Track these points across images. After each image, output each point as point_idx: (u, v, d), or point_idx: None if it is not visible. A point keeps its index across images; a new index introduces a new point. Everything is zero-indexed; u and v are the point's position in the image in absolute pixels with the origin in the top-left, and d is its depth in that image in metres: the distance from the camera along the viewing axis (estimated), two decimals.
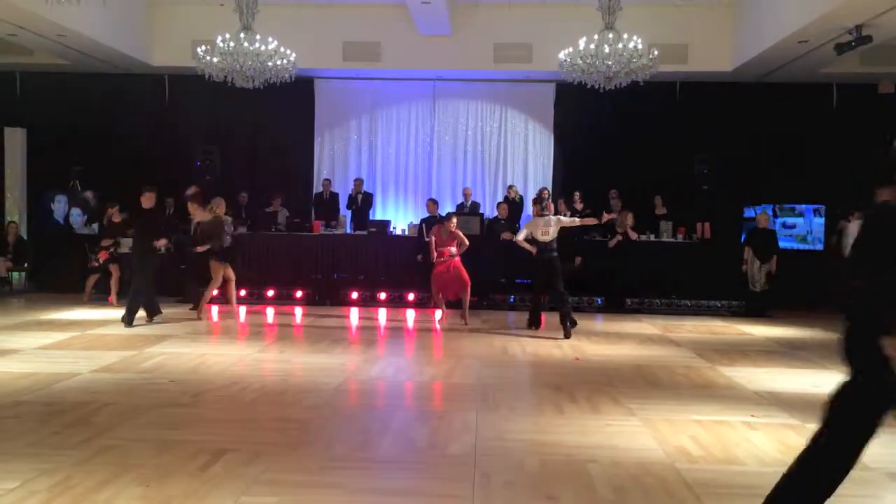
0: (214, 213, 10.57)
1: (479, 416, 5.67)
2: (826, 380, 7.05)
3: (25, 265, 13.37)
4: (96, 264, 12.03)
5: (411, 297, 12.32)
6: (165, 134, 14.77)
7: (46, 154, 14.51)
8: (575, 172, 14.56)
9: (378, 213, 14.80)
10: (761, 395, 6.53)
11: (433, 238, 10.47)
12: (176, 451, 4.69)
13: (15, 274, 13.43)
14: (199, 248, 10.54)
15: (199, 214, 10.57)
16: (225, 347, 8.36)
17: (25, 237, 13.84)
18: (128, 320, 9.67)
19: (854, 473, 3.41)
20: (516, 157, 15.15)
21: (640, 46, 10.66)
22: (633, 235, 12.10)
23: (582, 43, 10.75)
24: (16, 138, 14.54)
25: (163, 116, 14.92)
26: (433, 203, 13.22)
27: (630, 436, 5.26)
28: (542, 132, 15.08)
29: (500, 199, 14.30)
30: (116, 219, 11.63)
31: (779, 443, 5.14)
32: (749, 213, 13.30)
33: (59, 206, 14.20)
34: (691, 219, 13.19)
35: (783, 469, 3.60)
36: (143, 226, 9.99)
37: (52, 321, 10.03)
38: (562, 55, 11.06)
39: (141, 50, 13.68)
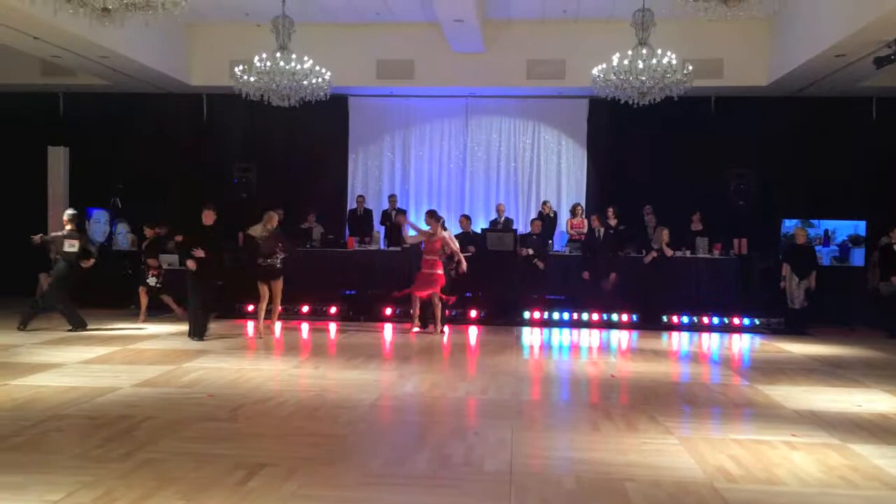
0: (268, 228, 10.40)
1: (514, 432, 5.65)
2: (867, 399, 6.91)
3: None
4: (153, 281, 12.06)
5: (445, 312, 12.30)
6: (203, 152, 15.04)
7: (88, 172, 14.84)
8: (608, 188, 14.52)
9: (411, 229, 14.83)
10: (801, 414, 6.42)
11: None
12: (215, 465, 4.75)
13: None
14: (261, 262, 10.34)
15: (255, 230, 10.68)
16: (261, 363, 8.45)
17: None
18: (200, 333, 9.91)
19: None
20: (549, 173, 15.15)
21: (674, 62, 10.63)
22: (669, 252, 11.99)
23: (615, 59, 10.75)
24: (58, 157, 14.89)
25: (201, 135, 15.21)
26: (466, 219, 13.27)
27: (668, 454, 5.21)
28: (576, 148, 15.06)
29: (533, 214, 14.29)
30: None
31: (820, 463, 5.05)
32: (787, 228, 13.12)
33: (100, 223, 14.47)
34: (728, 235, 13.05)
35: (825, 489, 3.54)
36: (206, 243, 9.97)
37: (93, 336, 10.22)
38: (595, 71, 11.06)
39: (180, 70, 13.97)
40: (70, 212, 11.01)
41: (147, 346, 9.38)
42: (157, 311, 12.11)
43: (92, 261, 10.85)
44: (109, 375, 7.51)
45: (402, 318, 12.16)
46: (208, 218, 10.05)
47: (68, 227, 10.73)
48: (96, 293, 13.44)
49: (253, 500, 4.17)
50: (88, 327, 10.70)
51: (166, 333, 10.58)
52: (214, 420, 5.91)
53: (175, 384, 7.21)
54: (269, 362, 8.49)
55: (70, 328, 10.57)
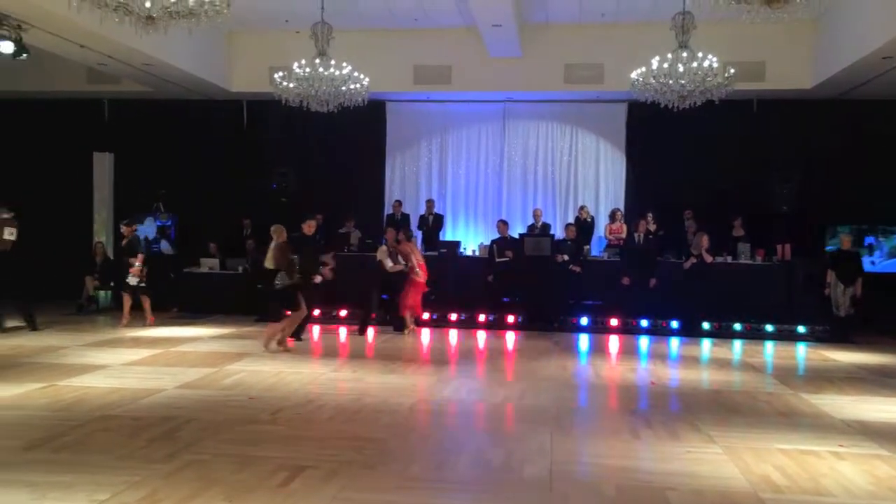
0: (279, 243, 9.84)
1: (553, 438, 5.62)
2: None
3: (111, 284, 13.90)
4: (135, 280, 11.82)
5: (482, 317, 12.31)
6: (243, 157, 15.24)
7: (132, 177, 15.14)
8: (648, 193, 14.37)
9: (448, 234, 14.89)
10: (849, 424, 6.28)
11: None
12: (257, 467, 4.79)
13: (101, 293, 13.99)
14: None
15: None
16: (300, 366, 8.52)
17: (112, 257, 14.40)
18: (298, 336, 10.01)
19: None
20: (587, 178, 15.05)
21: (715, 64, 10.48)
22: (709, 258, 11.82)
23: (655, 62, 10.64)
24: (103, 163, 15.23)
25: (241, 140, 15.41)
26: (504, 224, 13.25)
27: (711, 464, 5.12)
28: (614, 152, 14.95)
29: (570, 219, 14.22)
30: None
31: (868, 474, 4.93)
32: (834, 234, 12.86)
33: (143, 227, 14.74)
34: (770, 240, 12.82)
35: (873, 501, 3.45)
36: (308, 253, 9.94)
37: (136, 338, 10.41)
38: (634, 75, 10.96)
39: (221, 77, 14.19)
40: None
41: (189, 349, 9.52)
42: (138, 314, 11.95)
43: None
44: (153, 377, 7.64)
45: (438, 322, 12.18)
46: (310, 228, 10.08)
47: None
48: (138, 297, 13.70)
49: (295, 503, 4.21)
50: (131, 332, 10.88)
51: (207, 336, 10.73)
52: (255, 422, 5.97)
53: (216, 386, 7.30)
54: (307, 366, 8.55)
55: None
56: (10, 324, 10.83)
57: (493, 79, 14.00)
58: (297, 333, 10.04)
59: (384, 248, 11.61)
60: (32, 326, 10.87)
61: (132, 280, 11.69)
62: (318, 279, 10.17)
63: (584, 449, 5.41)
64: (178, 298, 13.51)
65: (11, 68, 12.23)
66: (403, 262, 11.39)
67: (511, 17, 11.69)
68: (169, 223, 14.82)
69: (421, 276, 11.32)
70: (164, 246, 14.77)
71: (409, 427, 6.05)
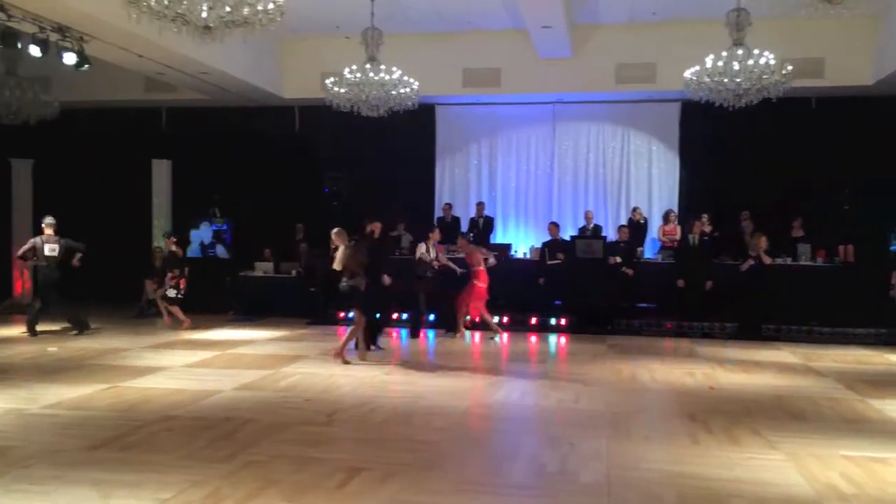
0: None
1: (609, 443, 5.55)
2: None
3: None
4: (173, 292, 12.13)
5: (533, 320, 12.25)
6: (295, 162, 15.46)
7: (188, 184, 15.49)
8: (702, 194, 14.12)
9: (499, 237, 14.84)
10: None
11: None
12: (314, 468, 4.85)
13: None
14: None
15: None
16: (354, 369, 8.59)
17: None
18: (374, 342, 9.77)
19: None
20: (640, 179, 14.85)
21: (772, 62, 10.25)
22: (767, 260, 11.55)
23: (709, 61, 10.44)
24: (162, 169, 15.61)
25: (293, 145, 15.63)
26: (555, 226, 13.17)
27: (774, 470, 5.00)
28: (667, 153, 14.72)
29: (623, 221, 14.06)
30: (176, 250, 12.20)
31: None
32: None
33: (199, 232, 15.06)
34: (832, 241, 12.47)
35: None
36: (374, 257, 9.59)
37: (195, 340, 10.64)
38: (688, 74, 10.78)
39: (274, 83, 14.42)
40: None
41: (245, 351, 9.69)
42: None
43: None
44: (212, 379, 7.79)
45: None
46: (377, 230, 9.99)
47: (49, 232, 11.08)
48: (197, 299, 14.01)
49: None
50: (190, 334, 11.12)
51: (262, 339, 10.90)
52: (311, 424, 6.05)
53: (273, 388, 7.41)
54: (361, 368, 8.61)
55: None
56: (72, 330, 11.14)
57: (542, 80, 13.93)
58: (374, 341, 9.72)
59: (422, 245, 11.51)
60: (81, 329, 11.07)
61: (171, 292, 12.04)
62: (388, 281, 10.05)
63: (641, 454, 5.33)
64: (233, 302, 13.76)
65: (74, 79, 12.62)
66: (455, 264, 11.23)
67: (561, 18, 11.62)
68: (224, 228, 15.10)
69: (482, 282, 11.07)
70: (220, 250, 15.05)
71: (462, 430, 6.06)
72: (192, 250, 14.90)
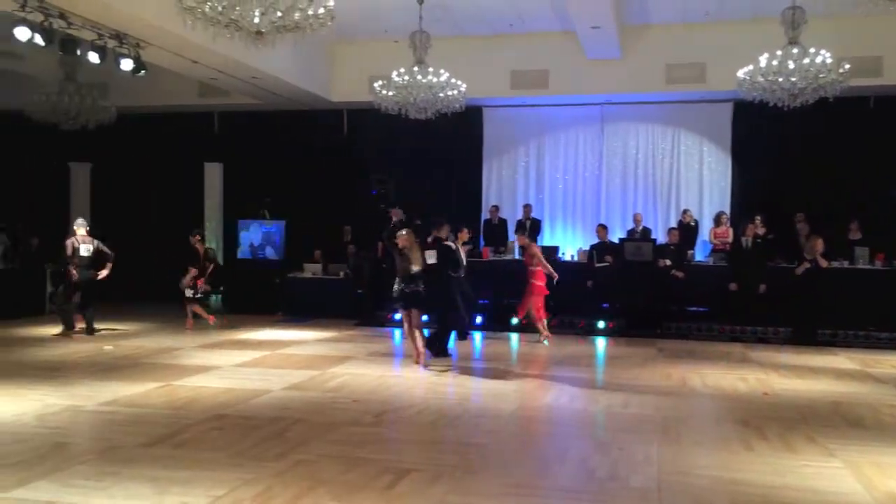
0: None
1: (660, 448, 5.47)
2: None
3: (221, 288, 14.51)
4: (193, 293, 12.15)
5: (581, 323, 12.15)
6: (344, 165, 15.61)
7: (239, 186, 15.76)
8: (755, 196, 13.82)
9: (546, 239, 14.74)
10: None
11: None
12: (363, 468, 4.88)
13: (212, 296, 14.60)
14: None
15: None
16: (401, 369, 8.63)
17: (221, 263, 15.02)
18: (441, 349, 9.38)
19: None
20: (690, 181, 14.60)
21: (828, 60, 9.99)
22: (823, 263, 11.25)
23: (763, 60, 10.22)
24: (214, 172, 15.92)
25: (341, 148, 15.79)
26: (603, 228, 13.04)
27: (831, 478, 4.87)
28: (719, 154, 14.46)
29: (672, 223, 13.84)
30: (200, 248, 12.16)
31: None
32: None
33: (249, 233, 15.31)
34: (891, 244, 12.09)
35: None
36: (443, 257, 9.59)
37: (244, 341, 10.81)
38: (741, 73, 10.57)
39: (323, 87, 14.58)
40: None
41: (294, 352, 9.81)
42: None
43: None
44: (261, 379, 7.91)
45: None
46: (443, 231, 9.81)
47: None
48: (246, 301, 14.27)
49: None
50: (239, 335, 11.27)
51: (311, 340, 11.02)
52: (360, 424, 6.09)
53: (321, 388, 7.48)
54: (409, 369, 8.65)
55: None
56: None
57: (591, 81, 13.81)
58: (444, 348, 9.45)
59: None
60: (65, 332, 11.03)
61: (188, 292, 12.04)
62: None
63: (693, 460, 5.23)
64: (281, 303, 13.95)
65: (130, 85, 12.95)
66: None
67: (610, 18, 11.51)
68: (274, 229, 15.31)
69: (539, 280, 10.90)
70: (269, 252, 15.28)
71: (510, 433, 6.03)
72: (243, 252, 15.16)
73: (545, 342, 10.81)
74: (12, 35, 9.35)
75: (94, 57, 10.38)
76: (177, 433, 5.68)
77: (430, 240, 9.92)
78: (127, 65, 10.74)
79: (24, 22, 9.22)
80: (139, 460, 4.99)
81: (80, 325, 11.11)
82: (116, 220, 15.84)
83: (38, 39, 9.41)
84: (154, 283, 15.14)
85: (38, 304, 13.49)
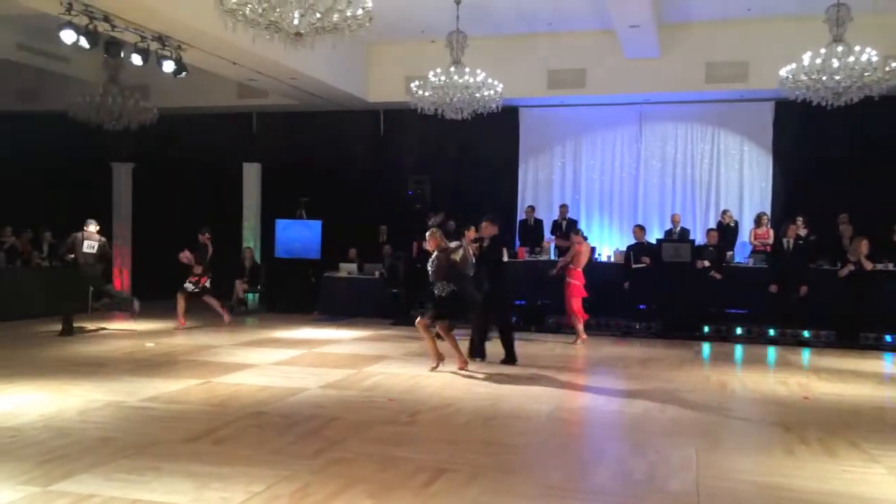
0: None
1: (698, 452, 5.40)
2: None
3: (259, 287, 14.70)
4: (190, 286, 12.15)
5: (618, 325, 12.05)
6: (380, 165, 15.71)
7: (277, 186, 15.94)
8: (797, 196, 13.59)
9: None
10: None
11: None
12: (399, 467, 4.90)
13: (250, 295, 14.81)
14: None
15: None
16: (436, 370, 8.63)
17: (259, 262, 15.22)
18: (481, 353, 9.17)
19: None
20: (730, 181, 14.41)
21: (874, 58, 9.79)
22: (868, 265, 11.01)
23: (806, 58, 10.06)
24: (252, 172, 16.12)
25: (378, 149, 15.90)
26: (640, 229, 12.92)
27: (874, 484, 4.76)
28: (760, 154, 14.24)
29: (712, 224, 13.68)
30: (208, 246, 12.22)
31: None
32: None
33: (287, 233, 15.46)
34: None
35: None
36: (486, 256, 9.20)
37: (282, 339, 10.92)
38: (783, 72, 10.40)
39: (360, 88, 14.68)
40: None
41: (329, 351, 9.89)
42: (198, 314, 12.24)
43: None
44: (298, 377, 7.98)
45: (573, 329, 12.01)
46: (488, 230, 9.35)
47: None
48: (283, 300, 14.44)
49: None
50: (277, 333, 11.39)
51: (346, 339, 11.09)
52: (395, 423, 6.11)
53: (357, 387, 7.53)
54: (444, 369, 8.65)
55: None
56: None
57: (629, 81, 13.71)
58: (481, 352, 9.25)
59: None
60: (65, 333, 10.88)
61: (189, 286, 12.06)
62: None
63: (732, 465, 5.16)
64: (318, 302, 14.07)
65: (171, 86, 13.18)
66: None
67: (649, 17, 11.41)
68: (310, 229, 15.43)
69: (577, 279, 10.86)
70: (306, 251, 15.40)
71: (546, 434, 6.00)
72: (280, 251, 15.32)
73: (579, 343, 10.75)
74: (58, 38, 9.59)
75: (136, 59, 10.61)
76: (216, 429, 5.76)
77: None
78: (168, 66, 10.94)
79: (69, 25, 9.45)
80: (179, 456, 5.07)
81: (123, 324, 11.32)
82: (157, 219, 16.15)
83: (83, 42, 9.65)
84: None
85: (82, 303, 13.76)
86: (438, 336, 8.69)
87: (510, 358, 9.10)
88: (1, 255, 13.37)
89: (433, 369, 8.48)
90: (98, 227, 11.42)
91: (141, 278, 16.18)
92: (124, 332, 11.39)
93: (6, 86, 15.40)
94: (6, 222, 13.83)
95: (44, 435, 5.51)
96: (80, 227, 11.19)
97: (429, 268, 8.48)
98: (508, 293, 9.46)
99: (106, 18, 9.81)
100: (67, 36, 9.49)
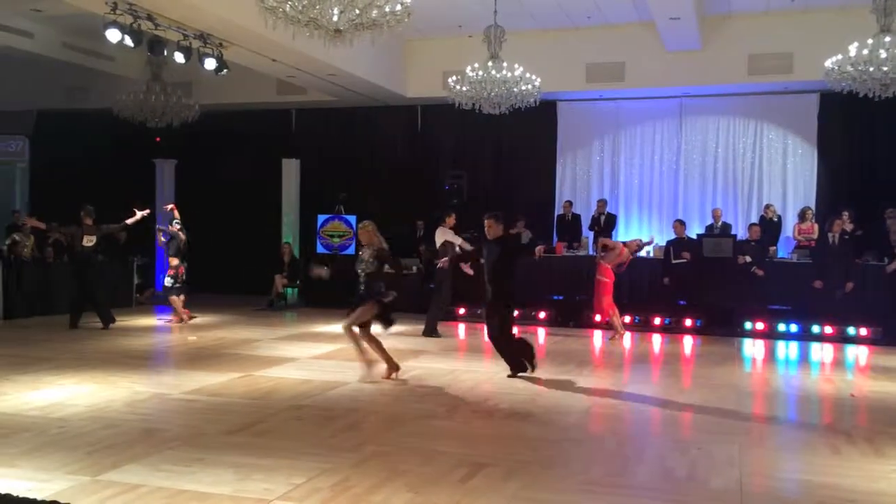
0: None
1: (741, 450, 5.32)
2: None
3: (298, 282, 14.84)
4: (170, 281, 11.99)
5: (657, 321, 11.93)
6: (418, 160, 15.73)
7: (316, 182, 16.07)
8: (842, 190, 13.30)
9: (621, 235, 14.52)
10: None
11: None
12: (438, 461, 4.91)
13: (289, 290, 14.96)
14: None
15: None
16: (474, 365, 8.65)
17: (298, 256, 15.35)
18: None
19: None
20: (773, 175, 14.13)
21: None
22: None
23: (853, 49, 9.81)
24: (291, 168, 16.25)
25: (415, 144, 15.92)
26: (680, 224, 12.75)
27: None
28: (804, 146, 13.94)
29: (754, 219, 13.45)
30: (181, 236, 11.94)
31: None
32: None
33: (327, 228, 15.57)
34: None
35: None
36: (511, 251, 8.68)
37: (320, 333, 11.02)
38: (829, 63, 10.15)
39: (398, 83, 14.71)
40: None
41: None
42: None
43: None
44: (337, 370, 8.06)
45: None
46: (517, 228, 9.57)
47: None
48: (322, 295, 14.53)
49: (476, 499, 4.27)
50: (316, 327, 11.48)
51: (386, 333, 11.11)
52: (434, 418, 6.13)
53: (395, 381, 7.56)
54: (481, 364, 8.67)
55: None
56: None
57: (669, 73, 13.51)
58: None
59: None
60: (106, 323, 11.10)
61: (168, 281, 11.97)
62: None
63: (776, 463, 5.08)
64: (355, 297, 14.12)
65: (212, 83, 13.35)
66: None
67: (691, 8, 11.23)
68: (348, 224, 15.53)
69: (607, 276, 10.79)
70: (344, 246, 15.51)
71: (584, 430, 5.98)
72: (319, 246, 15.43)
73: (618, 339, 10.67)
74: (103, 36, 9.79)
75: (179, 57, 10.77)
76: (257, 422, 5.84)
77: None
78: (210, 64, 11.09)
79: (114, 24, 9.63)
80: (222, 447, 5.16)
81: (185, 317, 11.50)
82: (199, 215, 16.37)
83: (128, 41, 9.83)
84: (234, 275, 15.62)
85: (127, 297, 14.10)
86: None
87: (516, 366, 7.89)
88: (48, 250, 13.69)
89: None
90: (94, 217, 11.36)
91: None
92: (166, 326, 11.60)
93: (54, 84, 15.74)
94: (53, 218, 14.13)
95: (92, 426, 5.64)
96: (80, 222, 11.21)
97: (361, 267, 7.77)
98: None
99: (149, 17, 9.98)
100: (112, 35, 9.68)
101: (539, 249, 8.91)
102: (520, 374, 7.83)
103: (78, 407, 6.21)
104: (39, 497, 4.03)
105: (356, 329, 7.55)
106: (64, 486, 4.33)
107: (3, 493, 3.41)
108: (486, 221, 7.85)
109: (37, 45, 13.16)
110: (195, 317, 11.99)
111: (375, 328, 7.71)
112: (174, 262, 11.97)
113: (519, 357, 7.91)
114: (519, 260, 8.44)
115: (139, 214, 11.65)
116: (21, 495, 4.04)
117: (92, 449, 5.06)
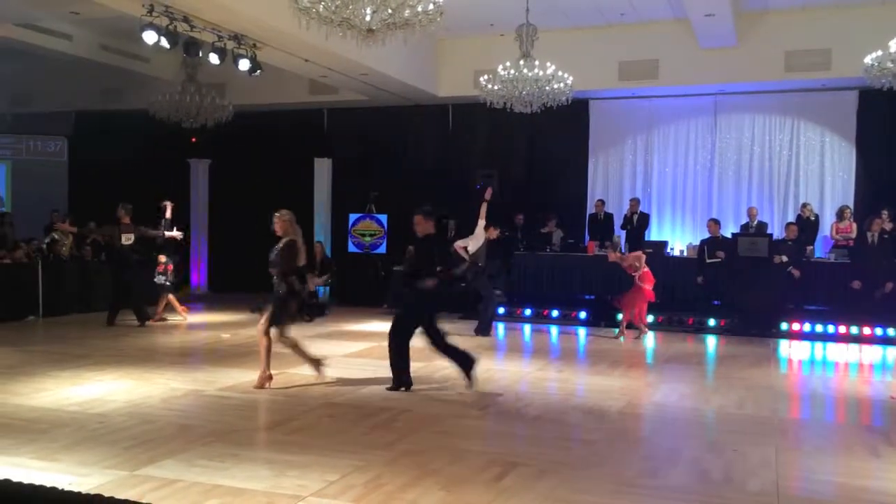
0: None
1: (777, 452, 5.24)
2: None
3: (329, 281, 14.92)
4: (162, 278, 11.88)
5: (691, 321, 11.80)
6: (449, 159, 15.73)
7: (347, 181, 16.15)
8: (882, 188, 13.01)
9: (654, 234, 14.40)
10: None
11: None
12: (470, 460, 4.91)
13: (321, 288, 15.04)
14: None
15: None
16: (507, 364, 8.64)
17: (330, 255, 15.45)
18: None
19: None
20: (810, 173, 13.89)
21: None
22: None
23: (893, 45, 9.61)
24: (323, 167, 16.37)
25: (446, 143, 15.92)
26: (715, 223, 12.59)
27: None
28: (842, 144, 13.68)
29: (790, 218, 13.22)
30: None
31: None
32: None
33: (358, 227, 15.65)
34: None
35: None
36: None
37: (352, 332, 11.09)
38: (868, 59, 9.96)
39: (429, 82, 14.73)
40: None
41: None
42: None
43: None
44: (369, 369, 8.09)
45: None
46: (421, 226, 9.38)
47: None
48: (352, 293, 14.65)
49: (508, 498, 4.26)
50: (347, 326, 11.53)
51: (417, 331, 11.13)
52: (465, 417, 6.14)
53: (427, 380, 7.56)
54: (514, 364, 8.65)
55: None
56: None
57: (703, 71, 13.34)
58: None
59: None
60: (143, 321, 11.23)
61: (159, 279, 11.87)
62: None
63: (814, 465, 5.00)
64: (387, 295, 14.20)
65: (246, 84, 13.49)
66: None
67: (726, 5, 11.08)
68: (379, 223, 15.60)
69: (648, 283, 10.70)
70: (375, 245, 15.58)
71: (618, 430, 5.93)
72: (351, 245, 15.52)
73: (644, 338, 10.62)
74: (140, 38, 9.94)
75: (214, 58, 10.90)
76: (291, 419, 5.89)
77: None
78: (244, 65, 11.21)
79: (150, 26, 9.77)
80: (257, 444, 5.22)
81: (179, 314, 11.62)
82: (233, 214, 16.56)
83: (164, 42, 9.97)
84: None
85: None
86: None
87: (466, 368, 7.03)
88: (86, 249, 13.94)
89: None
90: (131, 214, 11.46)
91: (217, 271, 16.66)
92: (199, 323, 11.75)
93: (91, 85, 16.01)
94: (91, 216, 14.37)
95: (129, 421, 5.74)
96: (118, 220, 11.33)
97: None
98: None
99: (185, 19, 10.12)
100: (149, 36, 9.83)
101: (487, 193, 8.60)
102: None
103: (116, 402, 6.32)
104: (81, 490, 4.11)
105: (273, 333, 7.09)
106: (103, 481, 4.41)
107: (48, 486, 3.48)
108: (415, 218, 7.12)
109: (75, 48, 13.42)
110: (166, 319, 11.90)
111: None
112: (162, 258, 11.93)
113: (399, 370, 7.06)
114: (442, 256, 7.66)
115: (177, 232, 11.88)
116: (63, 489, 4.12)
117: (130, 444, 5.14)
